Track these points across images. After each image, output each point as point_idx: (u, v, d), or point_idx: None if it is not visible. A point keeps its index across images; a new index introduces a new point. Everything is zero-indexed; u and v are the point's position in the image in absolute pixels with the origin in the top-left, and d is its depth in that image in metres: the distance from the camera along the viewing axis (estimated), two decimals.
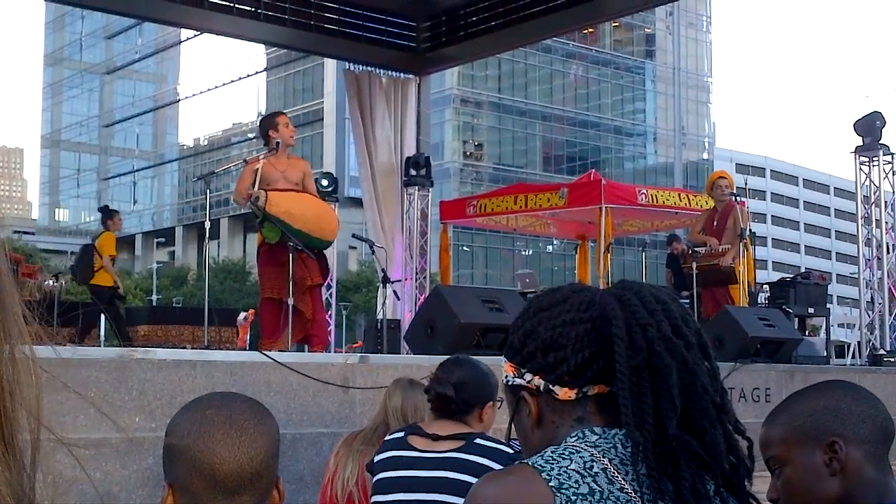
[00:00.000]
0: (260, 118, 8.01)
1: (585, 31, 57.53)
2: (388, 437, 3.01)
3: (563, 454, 1.25)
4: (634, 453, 1.22)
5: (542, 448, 1.28)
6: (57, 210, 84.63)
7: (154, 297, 45.59)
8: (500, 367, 1.39)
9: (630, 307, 1.29)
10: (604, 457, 1.24)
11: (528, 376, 1.33)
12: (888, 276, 11.43)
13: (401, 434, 2.96)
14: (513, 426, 1.38)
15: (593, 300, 1.33)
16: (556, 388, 1.31)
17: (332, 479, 3.40)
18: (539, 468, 1.22)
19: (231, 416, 1.30)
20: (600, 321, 1.30)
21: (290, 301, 6.91)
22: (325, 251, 7.62)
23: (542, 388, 1.32)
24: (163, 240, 66.36)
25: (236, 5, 10.88)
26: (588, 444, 1.26)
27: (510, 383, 1.37)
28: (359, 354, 6.50)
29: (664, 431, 1.23)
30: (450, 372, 2.95)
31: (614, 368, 1.26)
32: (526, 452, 1.35)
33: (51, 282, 9.61)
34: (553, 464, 1.23)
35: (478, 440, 2.84)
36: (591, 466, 1.23)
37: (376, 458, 2.95)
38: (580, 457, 1.24)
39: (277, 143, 7.34)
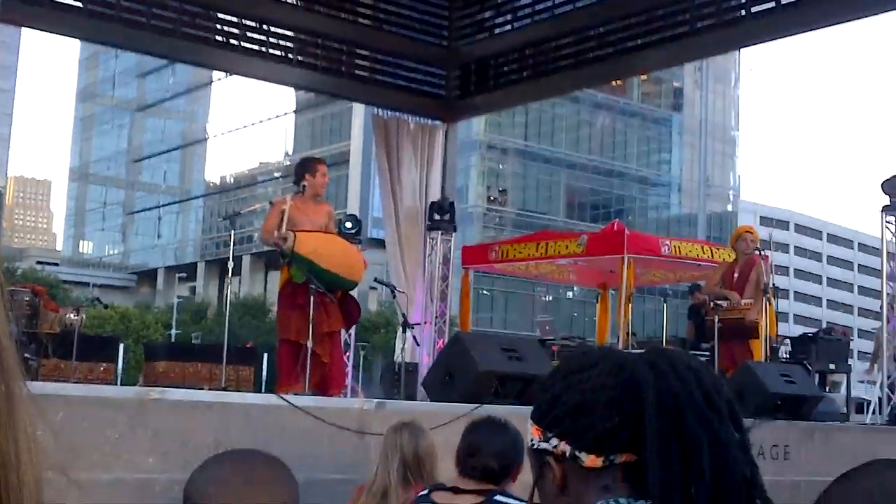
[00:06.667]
0: (300, 159, 8.14)
1: (614, 83, 57.79)
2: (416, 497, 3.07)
3: None
4: None
5: None
6: (81, 242, 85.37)
7: (173, 332, 45.75)
8: (527, 429, 1.36)
9: (662, 374, 1.26)
10: None
11: (555, 441, 1.30)
12: None
13: (425, 492, 3.01)
14: (536, 491, 1.35)
15: (624, 365, 1.30)
16: (583, 455, 1.28)
17: None
18: None
19: (247, 471, 1.29)
20: (631, 387, 1.27)
21: (310, 344, 6.89)
22: (351, 293, 7.66)
23: (567, 454, 1.29)
24: (184, 275, 66.69)
25: (269, 50, 10.94)
26: None
27: (536, 447, 1.33)
28: (375, 400, 6.45)
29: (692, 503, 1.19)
30: (488, 442, 2.93)
31: (643, 436, 1.23)
32: None
33: (72, 315, 9.55)
34: None
35: (497, 496, 2.85)
36: None
37: None
38: None
39: (304, 186, 7.43)
